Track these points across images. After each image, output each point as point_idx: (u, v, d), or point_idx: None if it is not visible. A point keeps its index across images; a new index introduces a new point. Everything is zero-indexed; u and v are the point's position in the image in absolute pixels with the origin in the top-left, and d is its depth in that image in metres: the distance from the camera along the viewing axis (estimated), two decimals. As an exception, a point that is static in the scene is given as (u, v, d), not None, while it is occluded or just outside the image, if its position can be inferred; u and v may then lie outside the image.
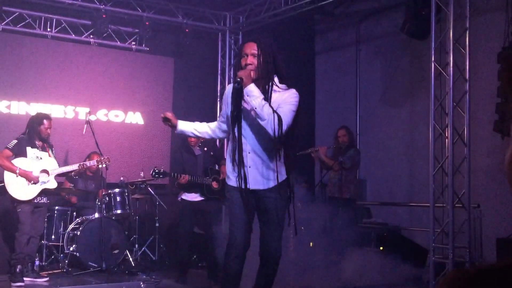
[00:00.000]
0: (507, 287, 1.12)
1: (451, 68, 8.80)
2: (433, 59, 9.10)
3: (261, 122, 5.29)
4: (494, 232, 9.42)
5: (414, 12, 9.68)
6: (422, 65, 10.81)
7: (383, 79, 12.74)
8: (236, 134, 5.44)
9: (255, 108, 5.25)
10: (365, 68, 13.16)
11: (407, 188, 11.89)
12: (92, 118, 11.03)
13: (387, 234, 10.45)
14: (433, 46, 9.11)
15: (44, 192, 9.29)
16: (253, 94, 5.25)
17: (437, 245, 8.95)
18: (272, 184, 5.54)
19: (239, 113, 5.45)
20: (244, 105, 5.46)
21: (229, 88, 5.71)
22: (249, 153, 5.48)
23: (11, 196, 9.06)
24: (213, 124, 5.94)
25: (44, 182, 9.21)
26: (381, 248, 10.19)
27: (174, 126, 5.90)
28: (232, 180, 5.57)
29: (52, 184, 9.34)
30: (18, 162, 9.08)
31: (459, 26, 8.86)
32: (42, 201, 9.33)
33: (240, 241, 5.50)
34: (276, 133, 5.28)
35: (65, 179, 10.47)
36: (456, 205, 8.74)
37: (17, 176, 8.99)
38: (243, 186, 5.46)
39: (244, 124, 5.48)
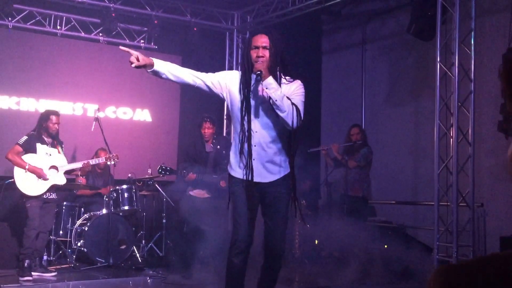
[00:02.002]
0: (486, 278, 1.19)
1: (456, 69, 8.87)
2: (438, 60, 9.17)
3: (281, 114, 5.29)
4: (498, 231, 9.48)
5: (420, 13, 9.73)
6: (427, 66, 10.88)
7: (389, 79, 12.80)
8: (246, 126, 5.43)
9: (276, 101, 5.26)
10: (371, 68, 13.22)
11: (412, 187, 11.94)
12: (101, 115, 11.09)
13: (392, 233, 10.51)
14: (438, 46, 9.18)
15: (53, 188, 9.37)
16: (272, 86, 5.27)
17: (441, 243, 9.02)
18: (275, 177, 5.56)
19: (249, 105, 5.45)
20: (252, 97, 5.48)
21: (234, 74, 5.70)
22: (254, 146, 5.47)
23: (20, 192, 9.12)
24: (192, 76, 5.81)
25: (54, 178, 9.30)
26: (385, 246, 10.25)
27: (147, 66, 5.52)
28: (238, 172, 5.56)
29: (61, 180, 9.41)
30: (28, 158, 9.16)
31: (465, 27, 8.93)
32: (51, 196, 9.40)
33: (243, 237, 5.49)
34: (295, 124, 5.32)
35: (79, 175, 10.53)
36: (460, 204, 8.81)
37: (26, 172, 9.08)
38: (249, 178, 5.46)
39: (251, 117, 5.48)
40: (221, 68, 13.48)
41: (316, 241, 11.32)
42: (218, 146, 9.64)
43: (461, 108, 8.89)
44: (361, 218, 10.52)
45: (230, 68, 13.44)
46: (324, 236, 11.07)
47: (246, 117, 5.45)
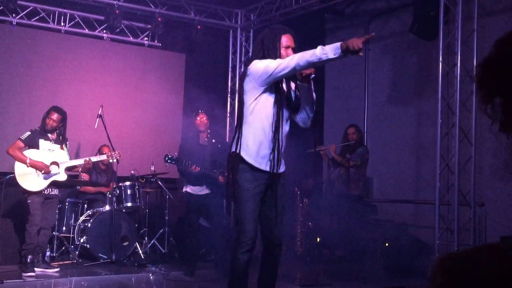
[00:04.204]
0: (491, 265, 1.22)
1: (459, 68, 8.91)
2: (440, 59, 9.21)
3: (311, 114, 5.74)
4: (498, 230, 9.52)
5: (423, 13, 9.77)
6: (430, 65, 10.91)
7: (391, 79, 12.83)
8: (276, 118, 5.55)
9: (313, 102, 5.68)
10: (374, 68, 13.24)
11: (413, 186, 11.97)
12: (104, 112, 11.08)
13: (393, 231, 10.56)
14: (441, 46, 9.22)
15: (55, 184, 9.36)
16: (312, 87, 5.62)
17: (442, 242, 9.07)
18: (284, 168, 5.74)
19: (283, 99, 5.64)
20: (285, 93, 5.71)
21: None
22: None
23: (21, 187, 9.13)
24: None
25: (54, 174, 9.29)
26: (386, 244, 10.30)
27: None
28: (259, 163, 5.58)
29: (62, 177, 9.37)
30: (30, 153, 9.15)
31: (467, 27, 8.97)
32: (53, 192, 9.39)
33: (252, 235, 5.53)
34: None
35: (81, 171, 10.57)
36: (461, 203, 8.86)
37: (27, 166, 9.06)
38: (275, 170, 5.58)
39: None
40: (224, 66, 13.54)
41: (318, 239, 11.38)
42: (213, 140, 9.61)
43: (463, 107, 8.93)
44: (359, 217, 10.57)
45: (233, 66, 13.49)
46: (326, 234, 11.13)
47: (278, 110, 5.58)
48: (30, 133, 9.26)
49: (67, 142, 9.63)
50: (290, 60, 5.25)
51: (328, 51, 5.02)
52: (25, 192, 9.18)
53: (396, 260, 9.91)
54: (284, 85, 5.63)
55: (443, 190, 9.10)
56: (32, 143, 9.23)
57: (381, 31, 13.17)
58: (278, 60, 5.38)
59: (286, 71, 5.27)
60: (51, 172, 9.25)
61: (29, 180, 9.13)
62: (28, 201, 9.16)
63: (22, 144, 9.17)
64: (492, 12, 10.46)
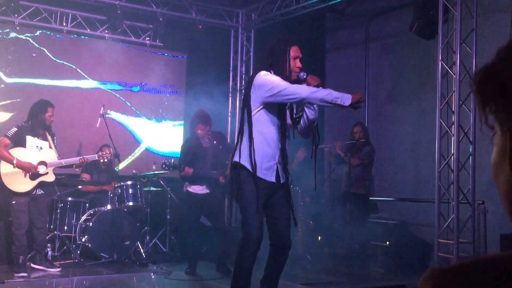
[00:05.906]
0: (482, 282, 1.21)
1: (458, 67, 8.93)
2: (440, 58, 9.23)
3: (312, 128, 5.95)
4: (498, 228, 9.55)
5: (423, 12, 9.80)
6: (429, 64, 10.93)
7: (392, 77, 12.86)
8: (281, 130, 5.75)
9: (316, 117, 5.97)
10: (374, 67, 13.28)
11: (414, 184, 12.00)
12: (106, 111, 11.09)
13: (393, 230, 10.59)
14: (440, 45, 9.24)
15: (41, 185, 9.09)
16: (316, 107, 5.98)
17: (442, 240, 9.09)
18: (286, 179, 5.87)
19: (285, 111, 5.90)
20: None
21: None
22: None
23: (7, 188, 8.87)
24: None
25: (42, 174, 9.02)
26: (387, 242, 10.33)
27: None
28: (265, 174, 5.70)
29: (50, 177, 9.15)
30: (16, 152, 8.88)
31: (466, 26, 8.99)
32: (39, 192, 9.10)
33: (258, 237, 5.63)
34: None
35: (81, 170, 10.57)
36: (461, 201, 8.88)
37: (14, 167, 8.78)
38: (279, 181, 5.77)
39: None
40: (225, 65, 13.54)
41: (319, 237, 11.41)
42: (215, 141, 9.64)
43: (462, 106, 8.96)
44: (363, 215, 10.60)
45: (235, 66, 13.51)
46: (327, 233, 11.16)
47: (283, 122, 5.76)
48: (16, 129, 8.98)
49: (55, 138, 9.44)
50: (300, 90, 5.48)
51: (340, 97, 5.48)
52: (10, 192, 8.92)
53: (396, 258, 9.95)
54: None
55: (443, 188, 9.13)
56: (19, 140, 8.95)
57: (381, 30, 13.22)
58: (287, 83, 5.50)
59: (291, 97, 5.46)
60: (39, 172, 9.01)
61: (16, 180, 8.88)
62: (13, 203, 8.92)
63: (8, 141, 8.89)
64: (491, 11, 10.49)
